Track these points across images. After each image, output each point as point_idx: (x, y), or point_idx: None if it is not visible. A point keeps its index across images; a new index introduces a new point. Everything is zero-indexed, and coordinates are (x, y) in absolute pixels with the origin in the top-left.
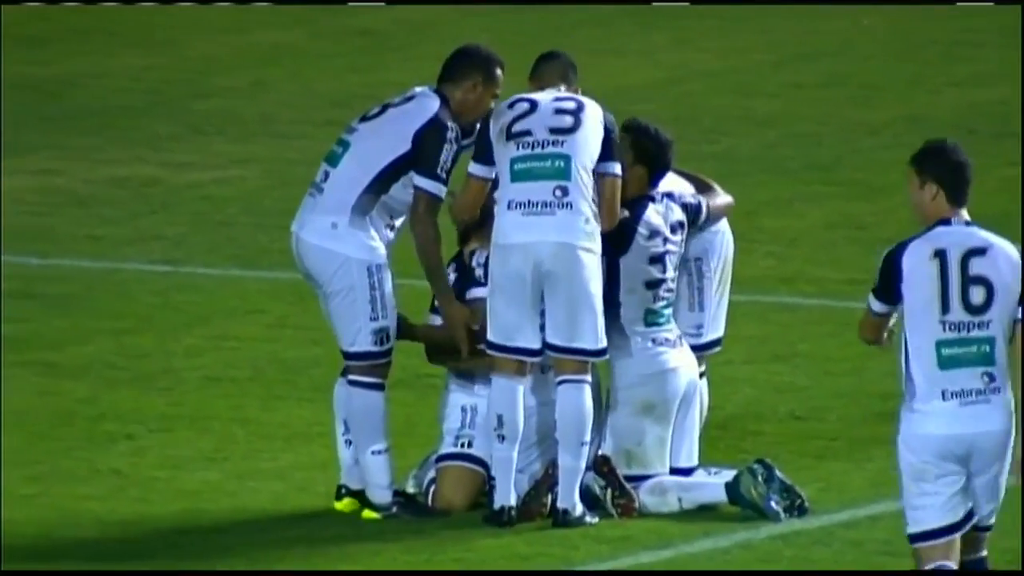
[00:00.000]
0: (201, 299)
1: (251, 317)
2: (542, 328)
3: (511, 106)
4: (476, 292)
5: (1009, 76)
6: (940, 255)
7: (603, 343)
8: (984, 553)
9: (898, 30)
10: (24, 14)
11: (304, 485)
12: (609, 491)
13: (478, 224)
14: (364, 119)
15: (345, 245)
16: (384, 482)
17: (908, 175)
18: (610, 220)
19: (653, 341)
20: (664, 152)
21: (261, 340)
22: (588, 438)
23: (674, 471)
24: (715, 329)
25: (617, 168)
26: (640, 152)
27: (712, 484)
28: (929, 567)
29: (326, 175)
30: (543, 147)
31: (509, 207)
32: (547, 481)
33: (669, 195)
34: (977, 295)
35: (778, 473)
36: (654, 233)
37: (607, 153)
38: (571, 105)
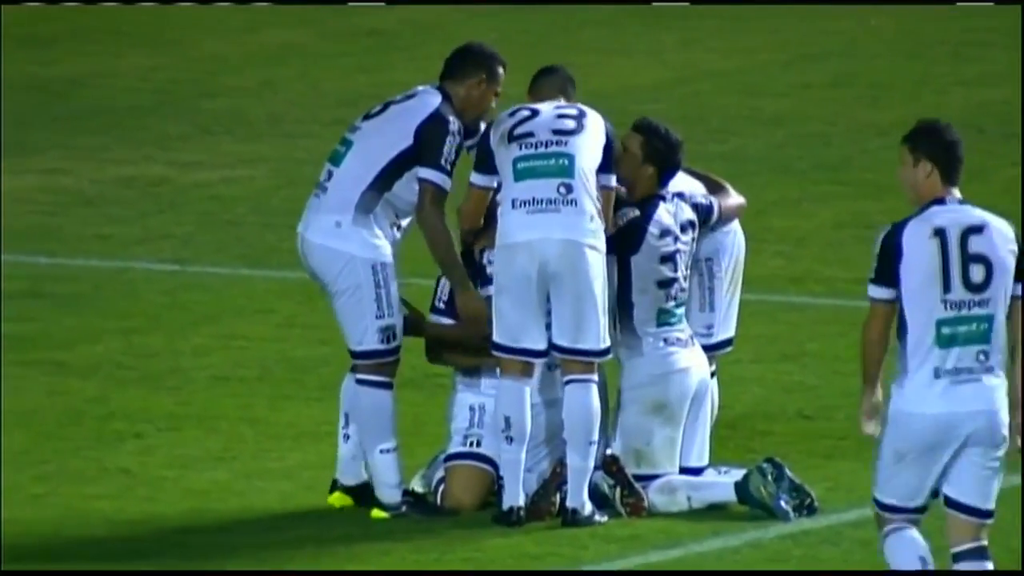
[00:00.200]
0: (209, 298)
1: (259, 316)
2: (548, 327)
3: (512, 114)
4: (490, 290)
5: (1017, 76)
6: (940, 234)
7: (606, 343)
8: (984, 542)
9: (906, 30)
10: (31, 14)
11: (312, 484)
12: (618, 490)
13: (485, 225)
14: (367, 117)
15: (349, 244)
16: (393, 481)
17: (901, 154)
18: (607, 224)
19: (665, 341)
20: (674, 152)
21: (269, 339)
22: (596, 437)
23: (684, 471)
24: (726, 329)
25: (613, 180)
26: (650, 152)
27: (721, 483)
28: (887, 528)
29: (330, 174)
30: (546, 147)
31: (513, 206)
32: (556, 480)
33: (680, 195)
34: (977, 273)
35: (787, 472)
36: (665, 232)
37: (606, 165)
38: (573, 111)
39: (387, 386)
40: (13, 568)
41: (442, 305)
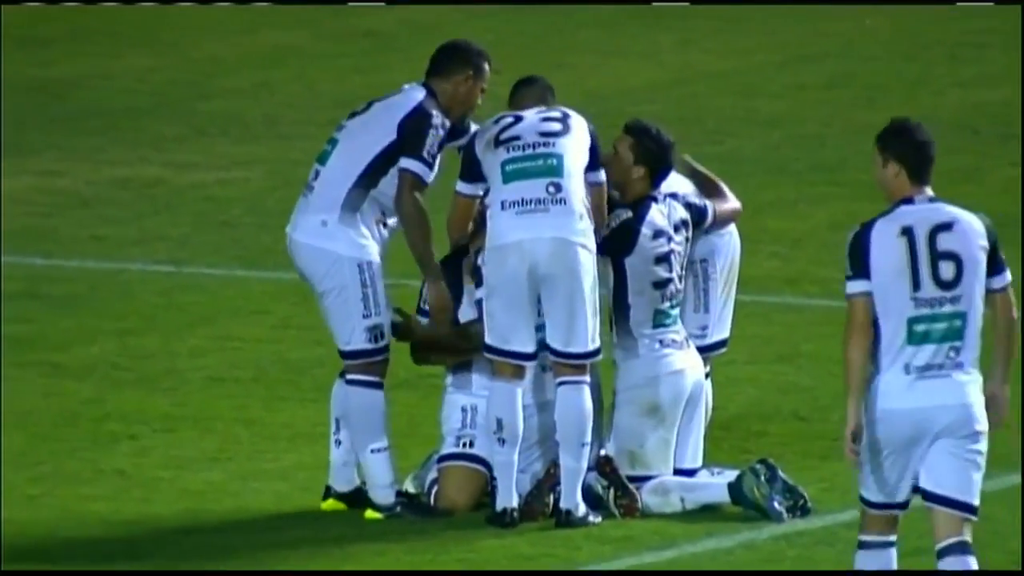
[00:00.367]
0: (205, 299)
1: (255, 318)
2: (540, 329)
3: (496, 121)
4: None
5: (1013, 77)
6: (907, 233)
7: (596, 344)
8: (967, 538)
9: (902, 31)
10: (28, 15)
11: (307, 485)
12: (612, 491)
13: (481, 226)
14: (352, 116)
15: (335, 243)
16: (385, 481)
17: (873, 154)
18: (601, 218)
19: (660, 343)
20: (666, 153)
21: (265, 340)
22: (589, 439)
23: (678, 472)
24: (720, 330)
25: (602, 176)
26: (641, 152)
27: (715, 484)
28: (865, 537)
29: (316, 174)
30: (534, 148)
31: (503, 207)
32: (549, 481)
33: (672, 195)
34: (947, 270)
35: (781, 473)
36: (658, 233)
37: (593, 163)
38: (557, 114)
39: (377, 386)
40: (9, 569)
41: (428, 307)
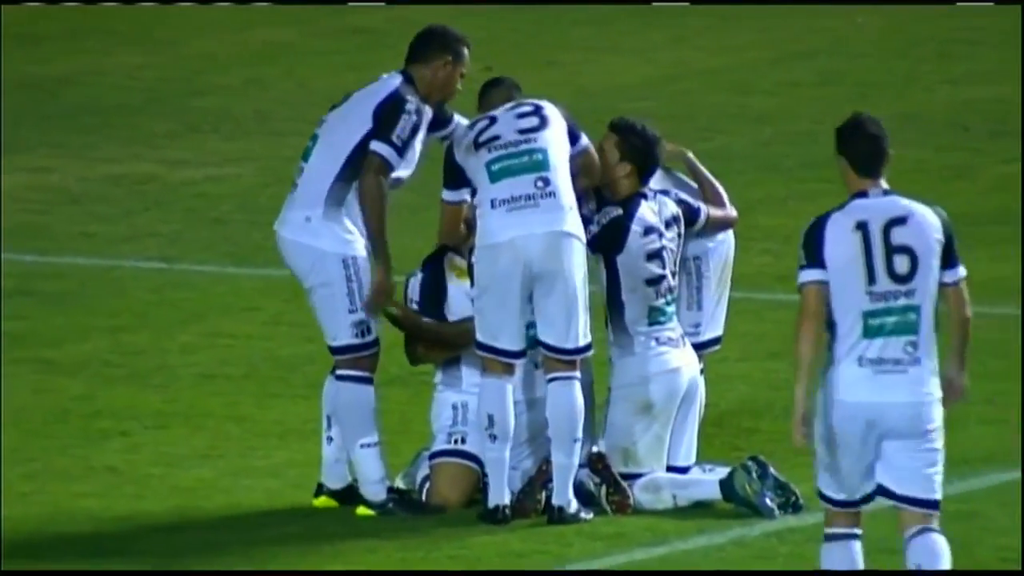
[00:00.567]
0: (196, 296)
1: (246, 314)
2: (531, 327)
3: (471, 126)
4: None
5: (1004, 74)
6: (862, 227)
7: (588, 339)
8: (933, 525)
9: (893, 28)
10: (21, 13)
11: (299, 482)
12: (604, 488)
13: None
14: (331, 109)
15: (320, 239)
16: (376, 477)
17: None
18: (597, 177)
19: (656, 340)
20: (651, 148)
21: (256, 337)
22: (580, 435)
23: (671, 469)
24: (714, 328)
25: (584, 141)
26: (627, 150)
27: (706, 481)
28: (830, 531)
29: (301, 170)
30: (516, 146)
31: (492, 206)
32: (541, 478)
33: (664, 192)
34: (901, 264)
35: (772, 470)
36: (648, 230)
37: (574, 137)
38: (529, 108)
39: (367, 381)
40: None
41: (414, 305)
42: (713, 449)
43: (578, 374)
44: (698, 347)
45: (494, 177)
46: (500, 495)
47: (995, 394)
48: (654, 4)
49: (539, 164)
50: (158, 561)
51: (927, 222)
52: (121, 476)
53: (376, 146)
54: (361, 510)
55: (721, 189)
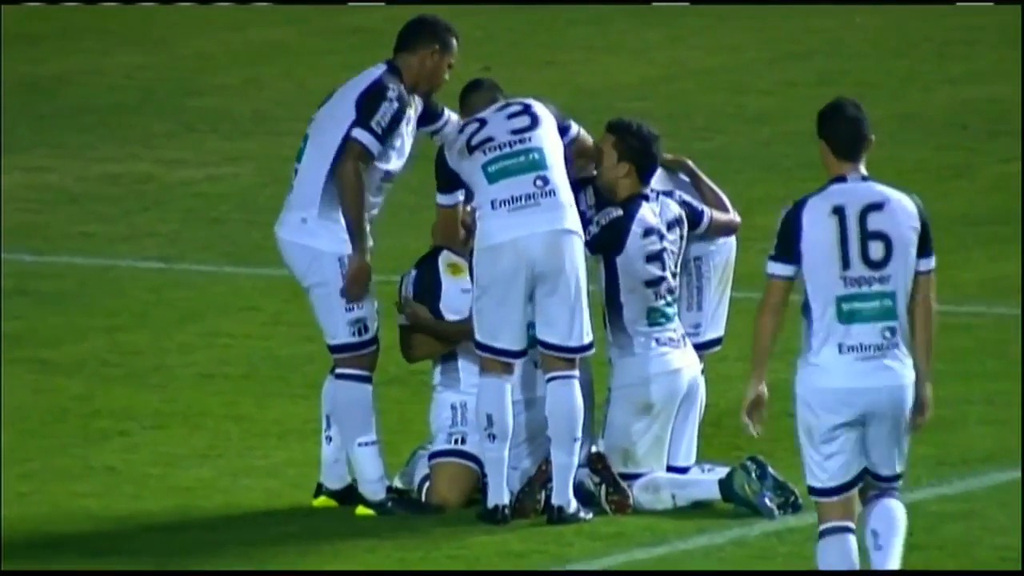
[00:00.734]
0: (194, 296)
1: (244, 314)
2: (530, 327)
3: (461, 130)
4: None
5: (1003, 73)
6: (838, 212)
7: (590, 338)
8: (894, 493)
9: (891, 28)
10: (19, 12)
11: (298, 482)
12: (603, 488)
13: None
14: (320, 107)
15: (315, 239)
16: (374, 475)
17: None
18: (591, 156)
19: (656, 341)
20: (649, 147)
21: (255, 337)
22: (580, 434)
23: (671, 469)
24: (715, 328)
25: (576, 127)
26: (625, 150)
27: (706, 481)
28: (824, 526)
29: (295, 171)
30: (511, 146)
31: (493, 207)
32: (541, 478)
33: (668, 193)
34: (876, 250)
35: (771, 470)
36: (649, 231)
37: (564, 129)
38: (519, 107)
39: (365, 379)
40: None
41: (410, 294)
42: (713, 449)
43: (577, 373)
44: (699, 347)
45: (492, 179)
46: (499, 495)
47: (995, 394)
48: (652, 4)
49: (536, 163)
50: (157, 561)
51: (904, 209)
52: (120, 476)
53: (356, 132)
54: (360, 510)
55: (723, 196)
